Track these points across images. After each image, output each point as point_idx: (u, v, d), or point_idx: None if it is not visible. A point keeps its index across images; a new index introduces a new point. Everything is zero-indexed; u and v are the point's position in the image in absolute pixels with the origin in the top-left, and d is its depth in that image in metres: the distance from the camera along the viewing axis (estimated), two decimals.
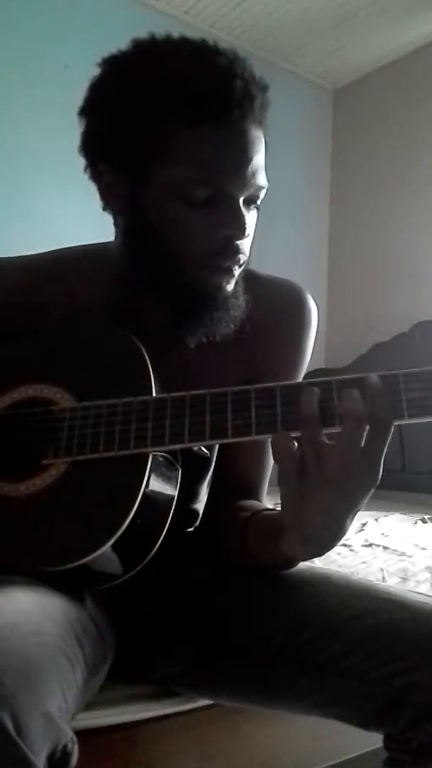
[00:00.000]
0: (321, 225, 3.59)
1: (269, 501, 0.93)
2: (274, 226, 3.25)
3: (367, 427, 0.61)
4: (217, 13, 3.02)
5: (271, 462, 0.91)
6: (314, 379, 0.66)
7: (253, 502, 0.88)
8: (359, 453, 0.61)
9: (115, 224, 0.84)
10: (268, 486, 0.94)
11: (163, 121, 0.72)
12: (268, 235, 3.11)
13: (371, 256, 3.38)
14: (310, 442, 0.62)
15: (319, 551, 0.68)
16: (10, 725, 0.50)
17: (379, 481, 0.62)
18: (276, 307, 0.87)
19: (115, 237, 0.84)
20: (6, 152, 2.56)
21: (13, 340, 0.84)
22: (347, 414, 0.61)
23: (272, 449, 0.63)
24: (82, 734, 0.58)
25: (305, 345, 0.91)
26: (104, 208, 0.82)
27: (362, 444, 0.61)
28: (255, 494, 0.91)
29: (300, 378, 0.92)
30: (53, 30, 2.67)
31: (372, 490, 0.63)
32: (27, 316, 0.85)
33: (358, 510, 0.64)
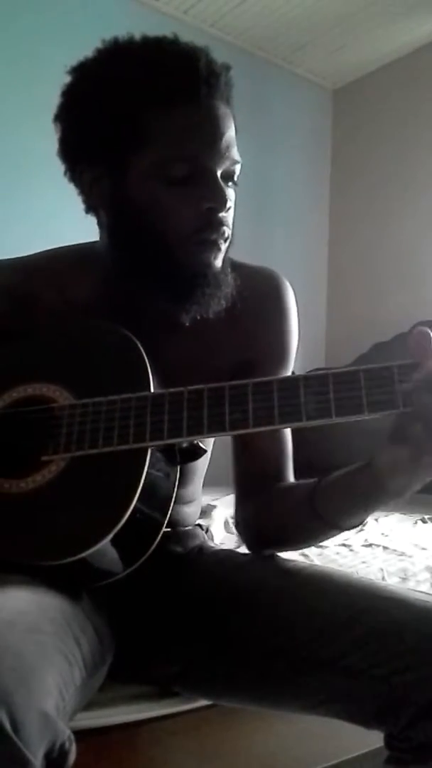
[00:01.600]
0: (321, 225, 3.58)
1: None
2: (274, 226, 3.26)
3: None
4: (217, 13, 3.02)
5: (290, 445, 0.92)
6: (312, 373, 0.67)
7: (297, 482, 0.89)
8: None
9: (99, 223, 0.86)
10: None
11: (135, 108, 0.75)
12: (268, 235, 3.15)
13: (371, 256, 3.37)
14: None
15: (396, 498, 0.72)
16: (6, 723, 0.50)
17: None
18: (255, 294, 0.88)
19: (101, 236, 0.86)
20: (6, 152, 2.56)
21: (10, 339, 0.85)
22: None
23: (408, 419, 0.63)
24: (82, 734, 0.59)
25: (290, 331, 0.92)
26: (87, 211, 0.85)
27: None
28: (286, 478, 0.91)
29: (292, 361, 0.93)
30: (53, 30, 2.67)
31: None
32: (23, 316, 0.86)
33: None
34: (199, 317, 0.82)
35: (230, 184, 0.80)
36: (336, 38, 3.17)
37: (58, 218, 2.40)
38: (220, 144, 0.76)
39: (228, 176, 0.79)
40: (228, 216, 0.79)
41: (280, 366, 0.91)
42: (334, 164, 3.62)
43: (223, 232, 0.79)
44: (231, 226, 0.81)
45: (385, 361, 0.65)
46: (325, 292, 3.54)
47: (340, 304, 3.48)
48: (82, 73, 0.80)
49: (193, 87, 0.74)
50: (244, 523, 0.91)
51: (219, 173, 0.77)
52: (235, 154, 0.79)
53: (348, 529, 0.79)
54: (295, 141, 3.43)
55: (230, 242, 0.82)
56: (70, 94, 0.80)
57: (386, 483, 0.69)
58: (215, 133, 0.76)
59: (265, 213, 3.10)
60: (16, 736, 0.50)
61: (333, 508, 0.77)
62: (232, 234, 0.82)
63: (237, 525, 0.94)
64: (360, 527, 0.80)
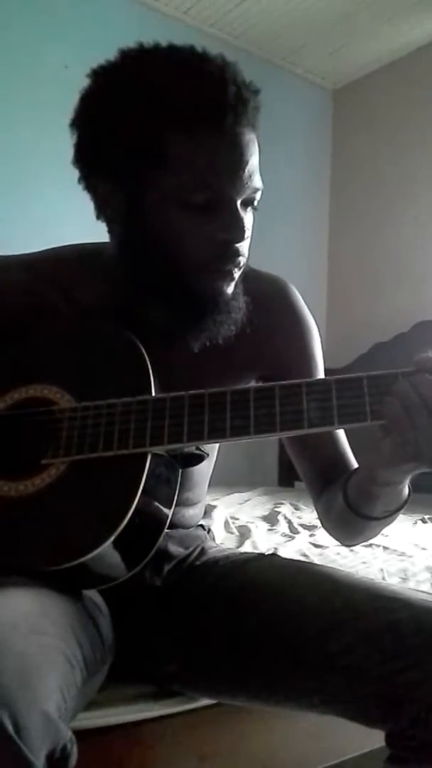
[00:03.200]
0: (321, 225, 3.58)
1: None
2: (274, 226, 3.25)
3: None
4: (217, 13, 3.01)
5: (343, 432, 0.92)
6: (314, 379, 0.67)
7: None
8: None
9: (110, 231, 0.84)
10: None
11: (159, 130, 0.72)
12: (268, 236, 3.11)
13: (371, 256, 3.37)
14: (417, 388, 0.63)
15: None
16: (9, 724, 0.50)
17: None
18: (262, 304, 0.87)
19: (111, 243, 0.85)
20: (6, 152, 2.56)
21: (13, 340, 0.84)
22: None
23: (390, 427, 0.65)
24: (82, 734, 0.58)
25: (307, 334, 0.92)
26: (98, 217, 0.83)
27: None
28: (351, 465, 0.91)
29: (319, 363, 0.93)
30: (53, 30, 2.67)
31: None
32: (26, 316, 0.85)
33: None
34: (208, 343, 0.81)
35: (249, 208, 0.79)
36: (336, 38, 3.17)
37: (57, 218, 2.41)
38: (242, 173, 0.74)
39: (248, 203, 0.78)
40: (244, 245, 0.78)
41: (312, 370, 0.92)
42: (334, 164, 3.62)
43: (238, 262, 0.78)
44: (247, 254, 0.79)
45: (384, 361, 0.65)
46: (325, 292, 3.54)
47: (340, 304, 3.48)
48: (105, 80, 0.77)
49: (219, 114, 0.72)
50: (323, 522, 0.92)
51: (239, 202, 0.75)
52: (256, 182, 0.76)
53: (377, 518, 0.80)
54: (295, 141, 3.43)
55: (244, 267, 0.81)
56: (89, 101, 0.78)
57: (375, 471, 0.72)
58: (238, 162, 0.74)
59: (265, 213, 3.06)
60: (18, 738, 0.50)
61: (354, 496, 0.79)
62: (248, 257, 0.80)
63: (323, 525, 0.94)
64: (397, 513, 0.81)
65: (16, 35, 2.61)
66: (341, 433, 0.92)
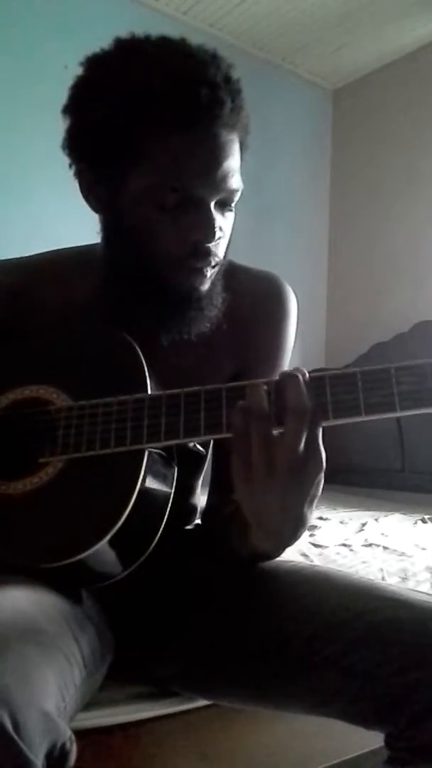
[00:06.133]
0: (321, 225, 3.59)
1: None
2: (274, 227, 3.26)
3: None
4: (217, 13, 3.02)
5: None
6: (309, 375, 0.67)
7: None
8: (302, 443, 0.62)
9: (100, 223, 0.85)
10: None
11: (134, 129, 0.72)
12: (268, 236, 3.14)
13: (371, 257, 3.38)
14: (258, 434, 0.63)
15: (286, 542, 0.71)
16: (8, 723, 0.50)
17: (324, 468, 0.65)
18: (256, 298, 0.89)
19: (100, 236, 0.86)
20: (5, 152, 2.56)
21: (8, 340, 0.85)
22: (291, 408, 0.63)
23: (233, 442, 0.65)
24: (82, 734, 0.59)
25: (286, 334, 0.93)
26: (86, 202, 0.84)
27: (305, 434, 0.62)
28: None
29: (284, 365, 0.94)
30: (53, 30, 2.67)
31: (321, 477, 0.65)
32: (21, 317, 0.86)
33: (315, 498, 0.66)
34: (178, 338, 0.82)
35: (228, 209, 0.79)
36: (336, 38, 3.17)
37: (57, 218, 2.41)
38: (215, 174, 0.74)
39: (224, 203, 0.78)
40: (219, 245, 0.78)
41: (272, 368, 0.92)
42: (334, 164, 3.62)
43: (209, 261, 0.78)
44: (221, 254, 0.80)
45: (384, 361, 0.65)
46: (325, 292, 3.55)
47: (340, 304, 3.49)
48: (92, 70, 0.77)
49: (192, 115, 0.71)
50: (204, 525, 0.93)
51: (212, 203, 0.75)
52: (232, 183, 0.76)
53: (248, 562, 0.80)
54: (295, 141, 3.43)
55: (220, 267, 0.81)
56: (78, 89, 0.78)
57: (249, 519, 0.69)
58: (212, 163, 0.73)
59: (264, 213, 3.11)
60: (17, 736, 0.50)
61: (233, 537, 0.79)
62: (228, 248, 0.81)
63: (202, 523, 0.94)
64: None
65: (16, 35, 2.61)
66: None
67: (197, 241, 0.75)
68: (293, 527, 0.68)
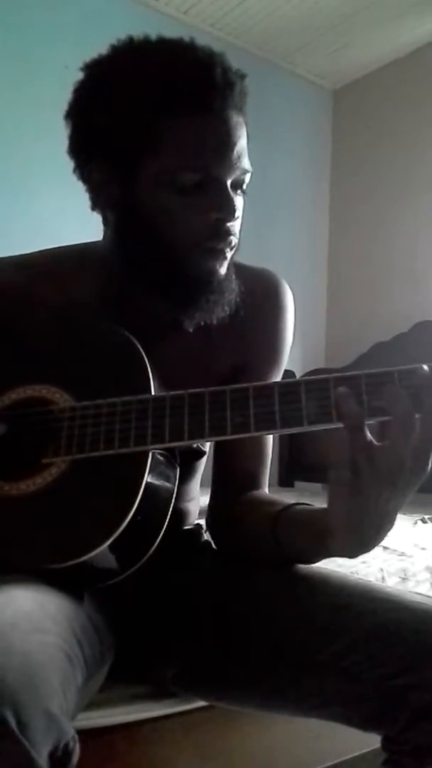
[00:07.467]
0: (321, 225, 3.58)
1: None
2: (274, 226, 3.25)
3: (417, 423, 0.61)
4: (217, 13, 3.01)
5: (270, 453, 0.93)
6: (313, 377, 0.67)
7: (267, 495, 0.90)
8: (410, 451, 0.61)
9: (105, 221, 0.86)
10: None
11: (151, 115, 0.75)
12: (268, 235, 3.14)
13: (371, 256, 3.37)
14: (359, 444, 0.62)
15: (369, 549, 0.69)
16: (12, 722, 0.50)
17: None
18: (254, 295, 0.89)
19: (104, 235, 0.86)
20: (5, 152, 2.56)
21: (10, 340, 0.85)
22: (394, 413, 0.61)
23: (331, 454, 0.63)
24: (83, 734, 0.58)
25: (285, 330, 0.93)
26: (93, 208, 0.85)
27: (411, 441, 0.61)
28: (259, 485, 0.92)
29: (283, 363, 0.94)
30: (53, 30, 2.67)
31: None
32: (22, 316, 0.86)
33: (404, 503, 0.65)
34: (202, 323, 0.83)
35: (239, 192, 0.81)
36: (336, 38, 3.17)
37: (57, 218, 2.41)
38: (231, 154, 0.77)
39: (237, 185, 0.80)
40: (236, 225, 0.80)
41: (272, 368, 0.92)
42: (334, 164, 3.62)
43: (230, 242, 0.79)
44: (238, 234, 0.81)
45: (385, 361, 0.65)
46: (325, 292, 3.54)
47: (340, 304, 3.48)
48: (97, 72, 0.79)
49: (207, 97, 0.74)
50: (215, 529, 0.92)
51: (229, 183, 0.78)
52: (245, 163, 0.79)
53: (302, 563, 0.80)
54: (295, 141, 3.43)
55: (237, 249, 0.82)
56: (83, 92, 0.80)
57: (336, 531, 0.67)
58: (227, 143, 0.76)
59: (265, 213, 3.10)
60: (22, 736, 0.50)
61: (289, 539, 0.77)
62: (239, 239, 0.82)
63: (209, 527, 0.94)
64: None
65: (16, 35, 2.61)
66: (267, 450, 0.92)
67: (218, 220, 0.77)
68: (383, 533, 0.67)
